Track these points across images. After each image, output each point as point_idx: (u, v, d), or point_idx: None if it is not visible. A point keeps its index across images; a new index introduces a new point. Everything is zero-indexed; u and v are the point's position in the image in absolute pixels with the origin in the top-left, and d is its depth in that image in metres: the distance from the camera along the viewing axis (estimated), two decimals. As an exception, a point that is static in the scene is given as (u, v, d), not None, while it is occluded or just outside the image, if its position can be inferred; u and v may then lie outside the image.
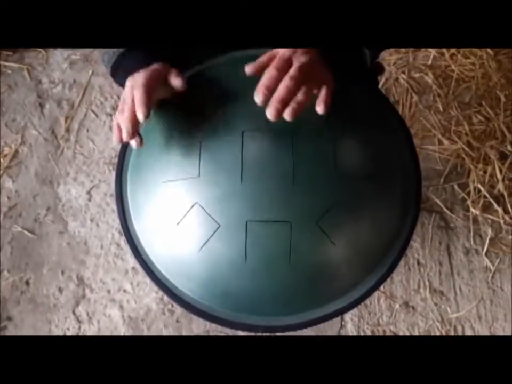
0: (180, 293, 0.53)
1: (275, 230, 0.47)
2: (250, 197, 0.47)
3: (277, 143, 0.48)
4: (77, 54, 1.23)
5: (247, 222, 0.47)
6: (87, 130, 1.16)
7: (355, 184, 0.49)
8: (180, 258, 0.51)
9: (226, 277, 0.49)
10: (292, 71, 0.45)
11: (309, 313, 0.52)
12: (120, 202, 0.56)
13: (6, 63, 1.21)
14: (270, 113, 0.44)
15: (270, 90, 0.45)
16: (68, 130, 1.16)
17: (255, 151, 0.48)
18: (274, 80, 0.45)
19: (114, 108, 1.18)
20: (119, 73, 0.55)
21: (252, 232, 0.47)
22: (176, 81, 0.51)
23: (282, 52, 0.48)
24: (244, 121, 0.49)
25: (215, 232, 0.47)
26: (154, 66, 0.51)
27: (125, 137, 0.48)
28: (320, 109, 0.46)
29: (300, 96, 0.45)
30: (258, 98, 0.45)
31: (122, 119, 0.49)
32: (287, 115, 0.44)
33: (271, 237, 0.47)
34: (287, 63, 0.46)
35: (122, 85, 0.55)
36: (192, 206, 0.48)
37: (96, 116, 1.18)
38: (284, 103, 0.44)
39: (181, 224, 0.49)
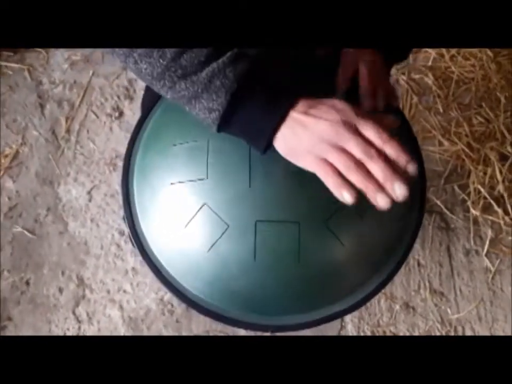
0: (188, 293, 0.53)
1: (284, 231, 0.47)
2: (259, 197, 0.47)
3: None
4: (77, 54, 1.23)
5: (256, 222, 0.47)
6: (88, 131, 1.17)
7: None
8: (189, 259, 0.51)
9: (236, 277, 0.49)
10: (384, 74, 0.53)
11: (318, 312, 0.52)
12: (127, 203, 0.56)
13: (7, 64, 1.21)
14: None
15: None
16: (68, 130, 1.16)
17: None
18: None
19: (115, 109, 1.18)
20: (238, 127, 0.43)
21: (261, 232, 0.47)
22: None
23: (369, 58, 0.52)
24: None
25: (224, 232, 0.47)
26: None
27: (402, 192, 0.38)
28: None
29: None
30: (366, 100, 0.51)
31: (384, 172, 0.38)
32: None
33: (280, 237, 0.47)
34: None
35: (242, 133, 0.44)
36: (201, 207, 0.48)
37: (97, 116, 1.18)
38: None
39: (190, 225, 0.49)
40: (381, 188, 0.38)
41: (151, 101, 0.59)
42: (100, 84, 1.21)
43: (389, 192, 0.38)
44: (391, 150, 0.39)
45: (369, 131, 0.39)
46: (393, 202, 0.38)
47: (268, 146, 0.42)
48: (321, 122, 0.40)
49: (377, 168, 0.38)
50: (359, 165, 0.39)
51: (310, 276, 0.49)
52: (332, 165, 0.40)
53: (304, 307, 0.51)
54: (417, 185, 0.56)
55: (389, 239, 0.52)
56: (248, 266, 0.48)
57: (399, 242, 0.53)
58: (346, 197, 0.39)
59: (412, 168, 0.39)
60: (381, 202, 0.38)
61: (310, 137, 0.40)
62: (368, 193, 0.38)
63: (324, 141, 0.39)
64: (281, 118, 0.41)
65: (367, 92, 0.50)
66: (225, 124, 0.42)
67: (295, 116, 0.41)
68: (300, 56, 0.55)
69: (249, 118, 0.42)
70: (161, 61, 0.42)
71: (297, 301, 0.51)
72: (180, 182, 0.50)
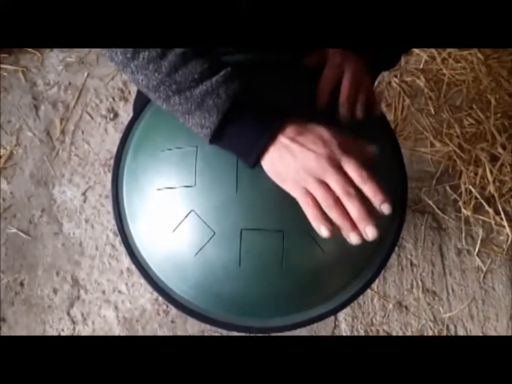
0: (174, 294, 0.53)
1: (268, 238, 0.48)
2: (245, 206, 0.48)
3: None
4: (72, 56, 1.24)
5: (241, 230, 0.48)
6: (82, 132, 1.17)
7: None
8: (175, 263, 0.52)
9: (221, 282, 0.50)
10: (367, 84, 0.52)
11: (300, 315, 0.53)
12: (116, 204, 0.56)
13: (1, 65, 1.21)
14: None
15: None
16: (63, 132, 1.17)
17: None
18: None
19: (110, 110, 1.19)
20: (230, 142, 0.45)
21: (246, 240, 0.48)
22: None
23: (352, 68, 0.51)
24: None
25: (210, 239, 0.48)
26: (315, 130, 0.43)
27: (373, 235, 0.41)
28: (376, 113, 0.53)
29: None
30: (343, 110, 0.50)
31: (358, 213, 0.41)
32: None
33: (265, 244, 0.48)
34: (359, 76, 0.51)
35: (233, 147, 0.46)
36: (188, 213, 0.49)
37: (91, 117, 1.18)
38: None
39: (177, 230, 0.50)
40: (354, 226, 0.42)
41: (142, 102, 0.60)
42: (95, 85, 1.21)
43: (361, 232, 0.42)
44: (368, 190, 0.42)
45: (351, 168, 0.42)
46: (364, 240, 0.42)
47: (256, 163, 0.45)
48: (308, 154, 0.42)
49: (353, 208, 0.41)
50: (338, 202, 0.42)
51: (293, 282, 0.50)
52: (312, 196, 0.42)
53: (287, 311, 0.53)
54: (398, 193, 0.56)
55: (370, 244, 0.54)
56: (233, 272, 0.49)
57: (380, 247, 0.55)
58: (323, 232, 0.42)
59: (386, 209, 0.42)
60: (353, 239, 0.42)
61: (295, 166, 0.43)
62: (342, 229, 0.42)
63: (308, 172, 0.42)
64: (270, 141, 0.43)
65: (346, 101, 0.50)
66: (216, 139, 0.45)
67: (283, 140, 0.43)
68: (286, 66, 0.56)
69: (240, 136, 0.44)
70: (156, 74, 0.43)
71: (280, 305, 0.52)
72: (168, 188, 0.51)
